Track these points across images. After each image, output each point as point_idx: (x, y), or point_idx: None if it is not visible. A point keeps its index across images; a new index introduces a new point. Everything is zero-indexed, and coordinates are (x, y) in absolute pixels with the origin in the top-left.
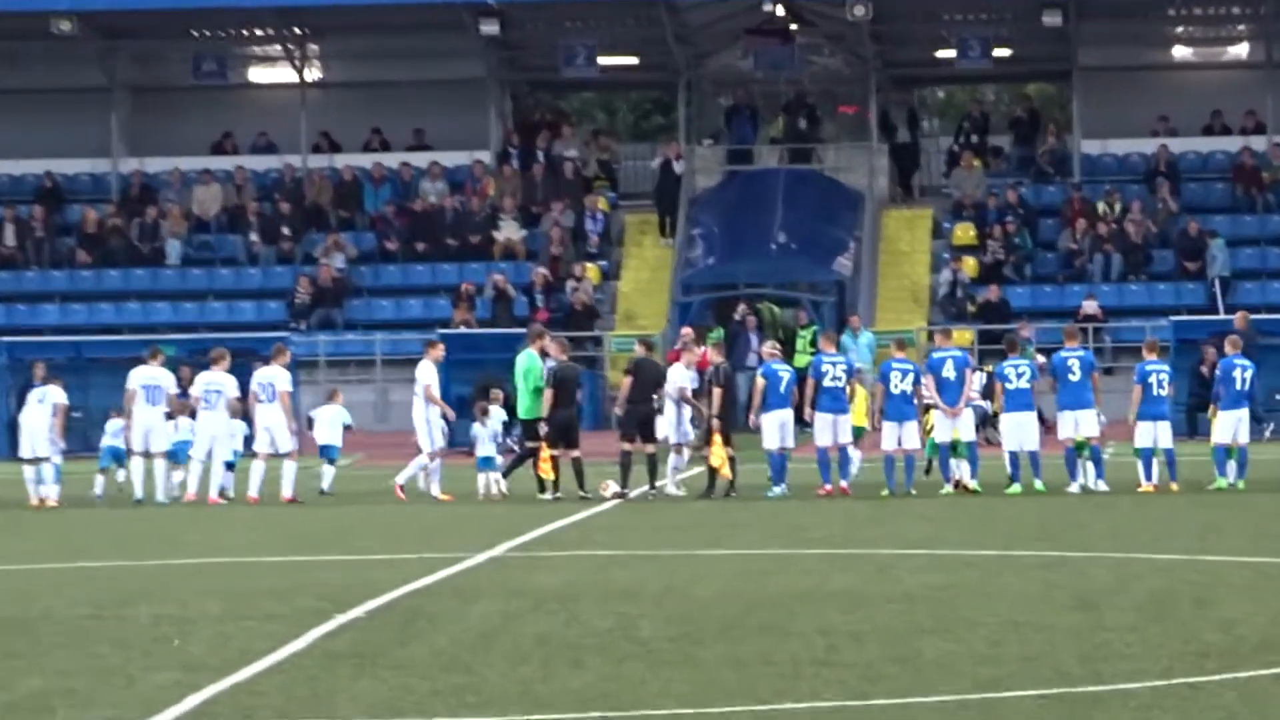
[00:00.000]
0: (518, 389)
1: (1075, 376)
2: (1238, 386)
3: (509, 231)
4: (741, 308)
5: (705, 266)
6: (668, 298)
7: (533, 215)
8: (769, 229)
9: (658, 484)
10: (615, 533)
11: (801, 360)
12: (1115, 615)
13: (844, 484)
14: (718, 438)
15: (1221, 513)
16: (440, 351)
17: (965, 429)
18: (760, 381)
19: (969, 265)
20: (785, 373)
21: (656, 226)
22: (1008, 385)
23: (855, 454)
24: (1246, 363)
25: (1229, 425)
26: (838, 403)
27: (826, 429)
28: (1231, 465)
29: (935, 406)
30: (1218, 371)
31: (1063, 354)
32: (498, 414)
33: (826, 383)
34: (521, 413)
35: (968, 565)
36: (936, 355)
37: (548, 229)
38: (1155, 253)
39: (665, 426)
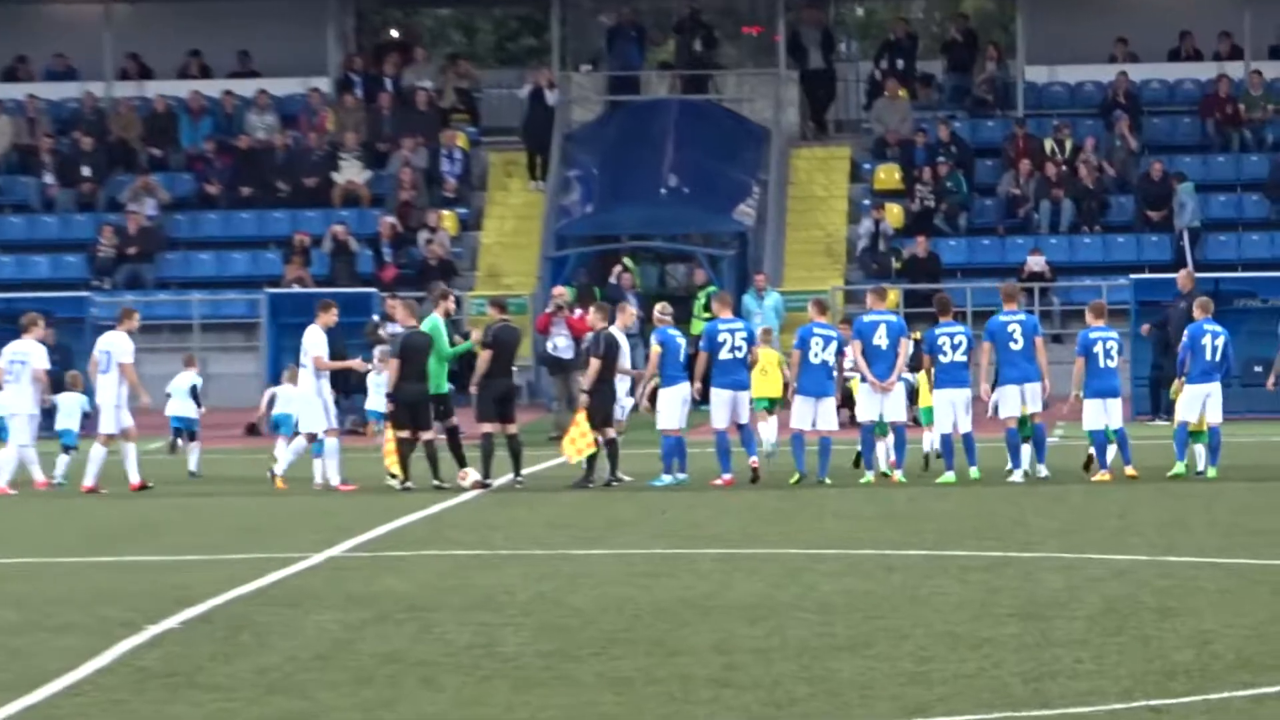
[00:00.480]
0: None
1: (1017, 345)
2: (1208, 357)
3: (351, 173)
4: (617, 266)
5: (583, 215)
6: (538, 252)
7: (379, 154)
8: (658, 171)
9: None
10: (476, 530)
11: (699, 326)
12: (1066, 627)
13: (752, 459)
14: (582, 417)
15: (1188, 505)
16: (334, 316)
17: (894, 408)
18: (656, 349)
19: (893, 214)
20: (684, 340)
21: (525, 167)
22: (940, 357)
23: (765, 427)
24: (1218, 329)
25: (1195, 401)
26: (736, 377)
27: (724, 408)
28: (1200, 449)
29: (865, 379)
30: (1185, 339)
31: (1001, 318)
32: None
33: (723, 354)
34: (430, 387)
35: (892, 569)
36: (868, 319)
37: (396, 170)
38: (1113, 199)
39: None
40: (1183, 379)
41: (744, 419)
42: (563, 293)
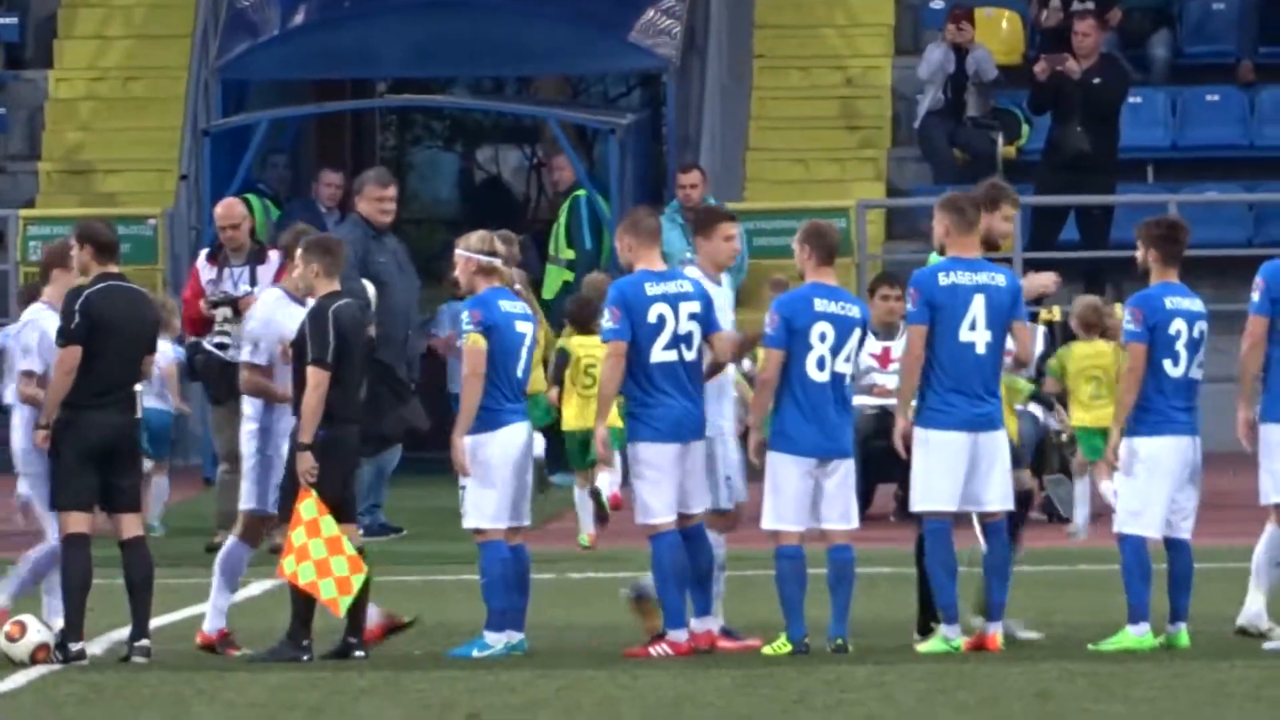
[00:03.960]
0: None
1: None
2: None
3: None
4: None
5: (286, 33)
6: (182, 119)
7: None
8: None
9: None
10: None
11: (554, 284)
12: None
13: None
14: (311, 504)
15: None
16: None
17: (998, 482)
18: (475, 343)
19: (993, 31)
20: (530, 323)
21: None
22: (1169, 366)
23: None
24: None
25: None
26: (686, 403)
27: (667, 468)
28: None
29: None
30: None
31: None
32: None
33: (659, 350)
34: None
35: None
36: (945, 279)
37: None
38: None
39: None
40: None
41: (704, 503)
42: (235, 215)
